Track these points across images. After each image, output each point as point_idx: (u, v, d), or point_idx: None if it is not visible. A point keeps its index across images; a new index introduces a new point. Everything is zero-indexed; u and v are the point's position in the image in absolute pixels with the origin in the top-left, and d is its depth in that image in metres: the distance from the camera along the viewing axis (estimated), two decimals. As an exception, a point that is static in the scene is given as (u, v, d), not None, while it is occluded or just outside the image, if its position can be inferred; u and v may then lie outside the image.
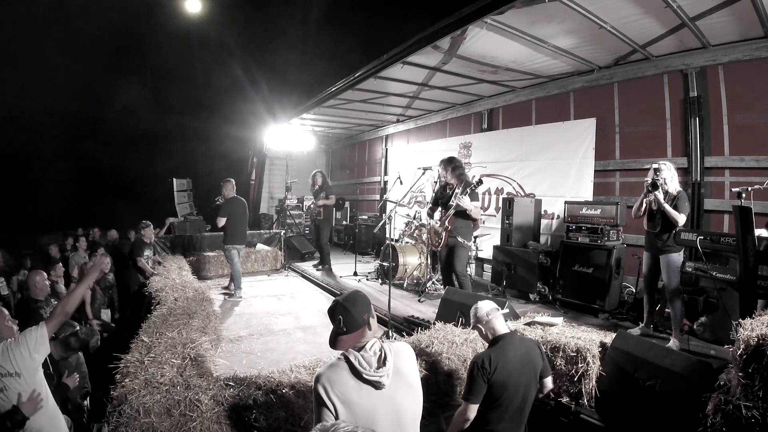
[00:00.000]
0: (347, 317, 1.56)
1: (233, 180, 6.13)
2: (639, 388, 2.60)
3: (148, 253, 6.22)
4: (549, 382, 2.37)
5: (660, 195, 3.72)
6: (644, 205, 3.90)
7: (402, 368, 1.60)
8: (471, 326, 2.45)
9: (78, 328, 3.54)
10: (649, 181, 3.78)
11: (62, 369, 3.26)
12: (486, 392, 2.09)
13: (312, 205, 7.76)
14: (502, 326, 2.30)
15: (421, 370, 2.64)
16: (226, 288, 6.06)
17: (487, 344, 2.36)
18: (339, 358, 1.57)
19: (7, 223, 9.66)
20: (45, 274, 3.89)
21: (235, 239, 5.95)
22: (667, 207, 3.69)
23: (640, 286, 4.64)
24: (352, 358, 1.52)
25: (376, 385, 1.51)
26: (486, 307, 2.34)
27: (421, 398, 1.65)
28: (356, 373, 1.50)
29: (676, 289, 3.74)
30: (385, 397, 1.52)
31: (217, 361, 3.19)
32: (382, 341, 1.62)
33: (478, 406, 2.10)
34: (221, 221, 5.82)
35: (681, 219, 3.66)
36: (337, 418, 1.45)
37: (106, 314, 5.69)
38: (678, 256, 3.76)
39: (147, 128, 12.52)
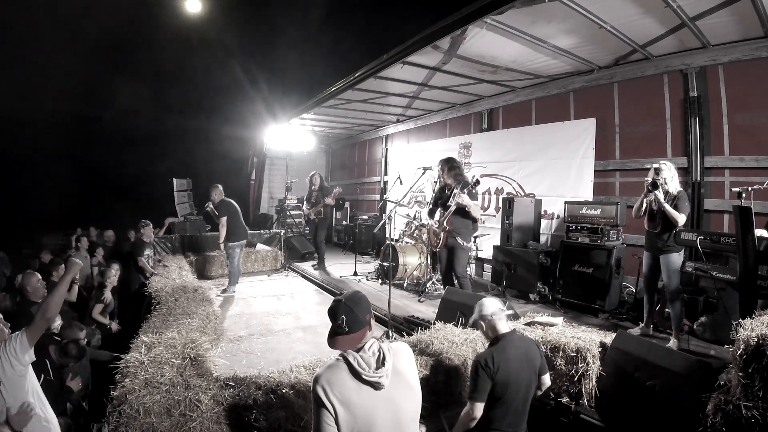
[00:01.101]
0: (351, 317, 1.55)
1: (220, 185, 6.26)
2: (639, 388, 2.60)
3: (148, 252, 6.22)
4: (547, 379, 2.40)
5: (660, 195, 3.72)
6: (644, 204, 3.90)
7: (401, 368, 1.60)
8: (471, 322, 2.43)
9: (83, 334, 3.54)
10: (649, 181, 3.79)
11: (65, 373, 3.25)
12: (489, 391, 2.11)
13: (307, 210, 7.79)
14: (503, 326, 2.31)
15: (420, 370, 2.64)
16: (225, 290, 6.10)
17: (487, 342, 2.37)
18: (338, 359, 1.57)
19: (7, 223, 9.66)
20: (39, 275, 3.87)
21: (237, 236, 6.13)
22: (667, 207, 3.69)
23: (640, 286, 4.64)
24: (351, 359, 1.52)
25: (376, 386, 1.50)
26: (491, 306, 2.32)
27: (420, 398, 1.65)
28: (355, 374, 1.50)
29: (676, 289, 3.74)
30: (385, 398, 1.52)
31: (217, 361, 3.19)
32: (381, 341, 1.62)
33: (483, 404, 2.12)
34: (224, 221, 5.99)
35: (681, 219, 3.66)
36: (336, 419, 1.45)
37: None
38: (678, 256, 3.76)
39: (147, 128, 12.50)
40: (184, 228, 8.87)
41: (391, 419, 1.52)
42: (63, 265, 5.20)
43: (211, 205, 6.17)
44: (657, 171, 3.81)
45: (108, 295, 5.08)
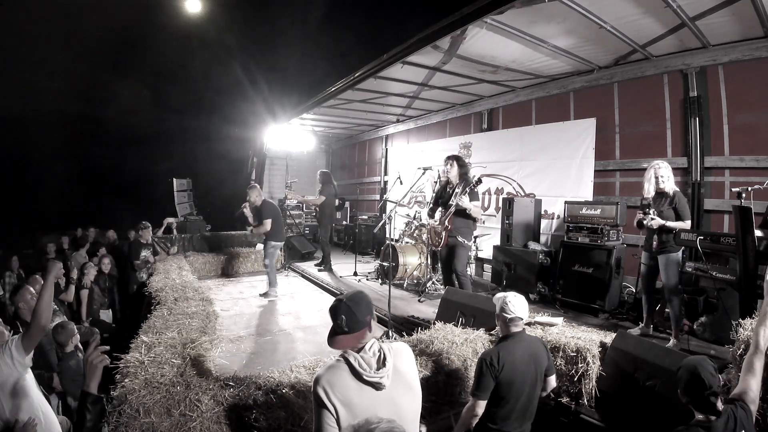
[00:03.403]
0: (350, 317, 1.55)
1: (257, 185, 6.18)
2: (639, 388, 2.60)
3: (145, 253, 6.26)
4: (553, 380, 2.40)
5: (655, 223, 3.74)
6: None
7: (401, 369, 1.60)
8: (497, 309, 2.33)
9: (74, 327, 3.54)
10: (635, 221, 3.97)
11: (65, 372, 3.25)
12: (493, 389, 2.12)
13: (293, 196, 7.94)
14: (517, 329, 2.31)
15: (421, 370, 2.64)
16: (266, 293, 5.99)
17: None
18: (338, 359, 1.56)
19: (7, 223, 9.67)
20: (33, 289, 3.80)
21: (279, 237, 6.18)
22: (673, 224, 3.69)
23: (640, 286, 4.64)
24: (351, 360, 1.52)
25: (377, 386, 1.50)
26: (518, 311, 2.25)
27: (420, 398, 1.65)
28: (356, 375, 1.50)
29: (676, 289, 3.74)
30: (385, 398, 1.52)
31: (217, 361, 3.20)
32: (381, 341, 1.62)
33: (485, 402, 2.12)
34: (268, 223, 5.80)
35: (688, 225, 3.70)
36: (337, 420, 1.45)
37: (106, 315, 5.69)
38: (677, 256, 3.76)
39: (147, 128, 12.52)
40: (184, 228, 8.88)
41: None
42: (60, 265, 5.21)
43: (247, 207, 6.04)
44: (646, 209, 3.85)
45: (87, 281, 5.17)
